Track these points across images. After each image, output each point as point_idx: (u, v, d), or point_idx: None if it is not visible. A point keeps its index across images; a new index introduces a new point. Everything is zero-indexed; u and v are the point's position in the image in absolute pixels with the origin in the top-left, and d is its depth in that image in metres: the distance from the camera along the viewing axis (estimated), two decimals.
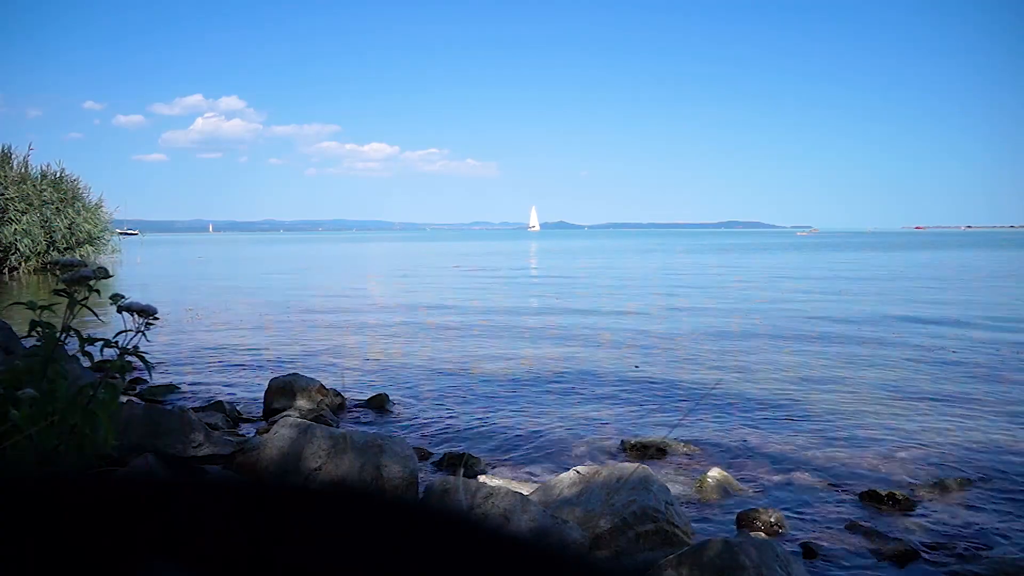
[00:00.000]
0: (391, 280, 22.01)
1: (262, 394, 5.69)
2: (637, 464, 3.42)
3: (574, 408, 5.76)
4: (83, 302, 2.15)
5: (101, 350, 2.12)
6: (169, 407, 4.16)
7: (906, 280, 20.05)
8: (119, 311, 2.12)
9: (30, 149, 25.94)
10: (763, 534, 3.34)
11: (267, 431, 4.10)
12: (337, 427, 4.75)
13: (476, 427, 5.23)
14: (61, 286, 2.13)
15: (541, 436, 5.01)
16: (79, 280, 2.13)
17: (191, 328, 10.19)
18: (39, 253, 23.16)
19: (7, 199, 22.40)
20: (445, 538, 0.41)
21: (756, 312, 12.34)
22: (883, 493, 3.82)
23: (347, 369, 7.20)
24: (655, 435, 4.94)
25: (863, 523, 3.49)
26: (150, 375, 2.32)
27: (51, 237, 23.69)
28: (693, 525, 3.30)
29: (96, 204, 26.83)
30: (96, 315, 2.26)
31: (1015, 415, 5.49)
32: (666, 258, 37.42)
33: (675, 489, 3.77)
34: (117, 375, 2.11)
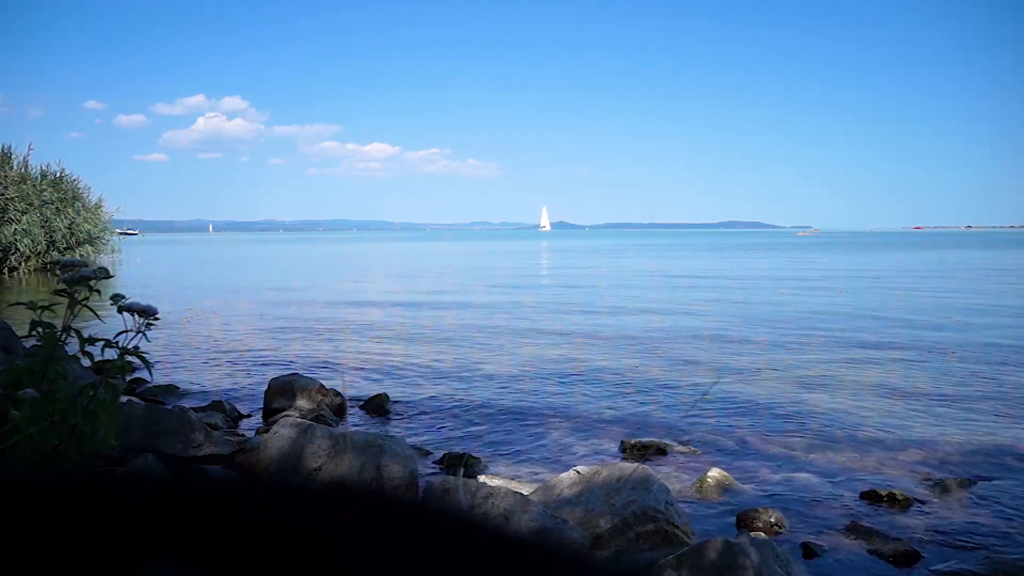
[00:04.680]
0: (393, 280, 22.01)
1: (262, 394, 5.69)
2: (637, 464, 3.42)
3: (574, 408, 5.75)
4: (83, 302, 2.15)
5: (102, 350, 2.12)
6: (169, 407, 4.16)
7: (906, 280, 20.05)
8: (119, 311, 2.13)
9: (30, 149, 26.00)
10: (763, 534, 3.34)
11: (267, 431, 4.10)
12: (337, 427, 4.75)
13: (476, 427, 5.23)
14: (61, 286, 2.13)
15: (541, 436, 5.01)
16: (79, 280, 2.13)
17: (191, 328, 10.19)
18: (39, 253, 23.16)
19: (7, 199, 22.40)
20: (445, 538, 0.41)
21: (756, 312, 12.34)
22: (883, 493, 3.82)
23: (347, 369, 7.20)
24: (655, 435, 4.94)
25: (863, 523, 3.49)
26: (150, 375, 2.32)
27: (51, 237, 23.70)
28: (693, 525, 3.30)
29: (96, 204, 26.86)
30: (96, 315, 2.26)
31: (1015, 415, 5.50)
32: (670, 258, 37.44)
33: (675, 489, 3.77)
34: (117, 375, 2.11)
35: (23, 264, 22.62)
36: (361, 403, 5.82)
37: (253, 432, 4.83)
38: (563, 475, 3.45)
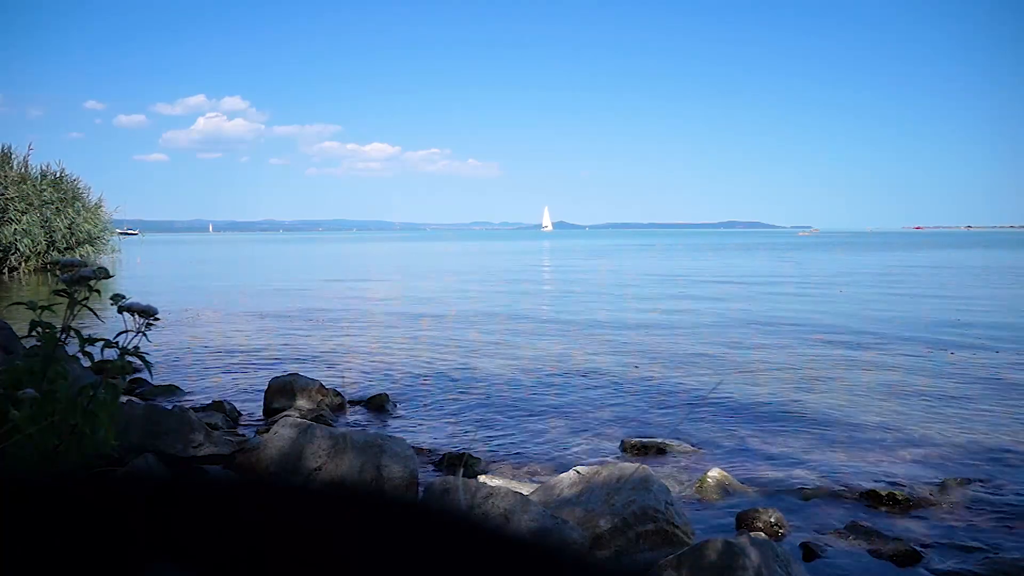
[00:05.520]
0: (393, 281, 22.01)
1: (262, 394, 5.69)
2: (637, 464, 3.42)
3: (574, 408, 5.75)
4: (83, 302, 2.15)
5: (101, 350, 2.12)
6: (169, 407, 4.16)
7: (905, 280, 20.05)
8: (120, 311, 2.13)
9: (30, 149, 25.95)
10: (763, 534, 3.33)
11: (267, 431, 4.10)
12: (337, 427, 4.74)
13: (476, 427, 5.23)
14: (61, 286, 2.13)
15: (541, 436, 5.01)
16: (79, 280, 2.13)
17: (191, 328, 10.19)
18: (39, 253, 23.16)
19: (7, 199, 22.40)
20: (445, 538, 0.41)
21: (757, 312, 12.34)
22: (883, 493, 3.82)
23: (347, 369, 7.20)
24: (655, 435, 4.94)
25: (863, 523, 3.49)
26: (150, 375, 2.32)
27: (51, 237, 23.69)
28: (693, 525, 3.30)
29: (96, 204, 26.85)
30: (96, 315, 2.26)
31: (1015, 415, 5.49)
32: (670, 258, 37.44)
33: (675, 489, 3.77)
34: (117, 375, 2.11)
35: (23, 264, 22.62)
36: (361, 403, 5.82)
37: (253, 432, 4.83)
38: (563, 475, 3.45)
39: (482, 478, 3.84)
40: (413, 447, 4.05)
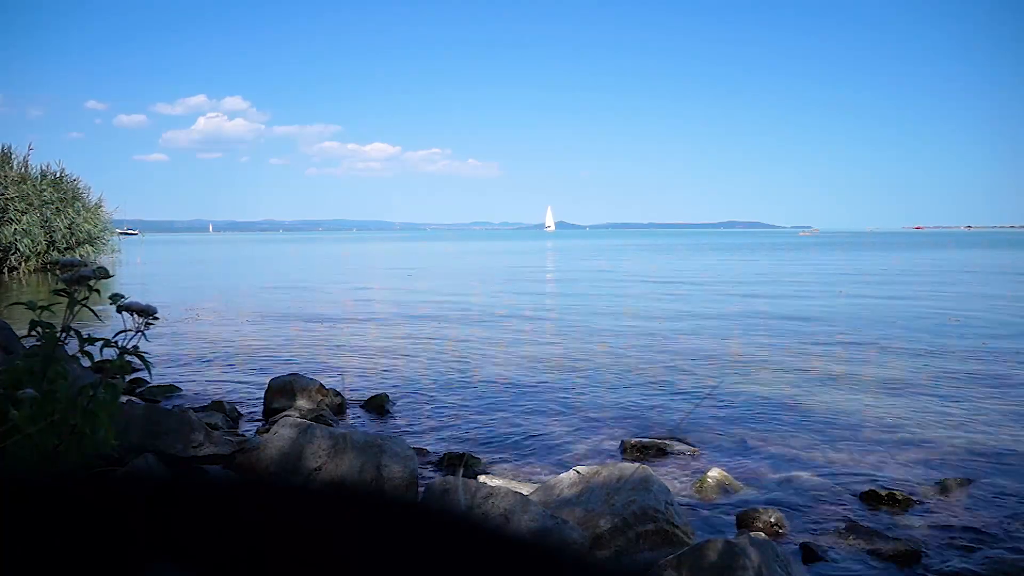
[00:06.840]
0: (392, 281, 22.01)
1: (262, 394, 5.69)
2: (637, 464, 3.42)
3: (574, 408, 5.75)
4: (83, 302, 2.15)
5: (101, 350, 2.12)
6: (169, 407, 4.16)
7: (905, 280, 20.05)
8: (119, 311, 2.13)
9: (30, 149, 25.94)
10: (763, 534, 3.33)
11: (267, 431, 4.10)
12: (337, 427, 4.74)
13: (476, 427, 5.23)
14: (61, 286, 2.13)
15: (541, 436, 5.01)
16: (79, 280, 2.13)
17: (191, 328, 10.19)
18: (39, 253, 23.16)
19: (7, 199, 22.40)
20: (445, 538, 0.41)
21: (757, 312, 12.34)
22: (883, 493, 3.82)
23: (347, 369, 7.20)
24: (655, 435, 4.94)
25: (863, 523, 3.49)
26: (150, 375, 2.32)
27: (51, 237, 23.69)
28: (693, 525, 3.30)
29: (96, 204, 26.85)
30: (96, 315, 2.26)
31: (1015, 415, 5.49)
32: (671, 258, 37.43)
33: (675, 489, 3.77)
34: (117, 375, 2.11)
35: (23, 264, 22.62)
36: (361, 403, 5.82)
37: (253, 432, 4.83)
38: (563, 475, 3.45)
39: (482, 478, 3.84)
40: (413, 447, 4.05)
